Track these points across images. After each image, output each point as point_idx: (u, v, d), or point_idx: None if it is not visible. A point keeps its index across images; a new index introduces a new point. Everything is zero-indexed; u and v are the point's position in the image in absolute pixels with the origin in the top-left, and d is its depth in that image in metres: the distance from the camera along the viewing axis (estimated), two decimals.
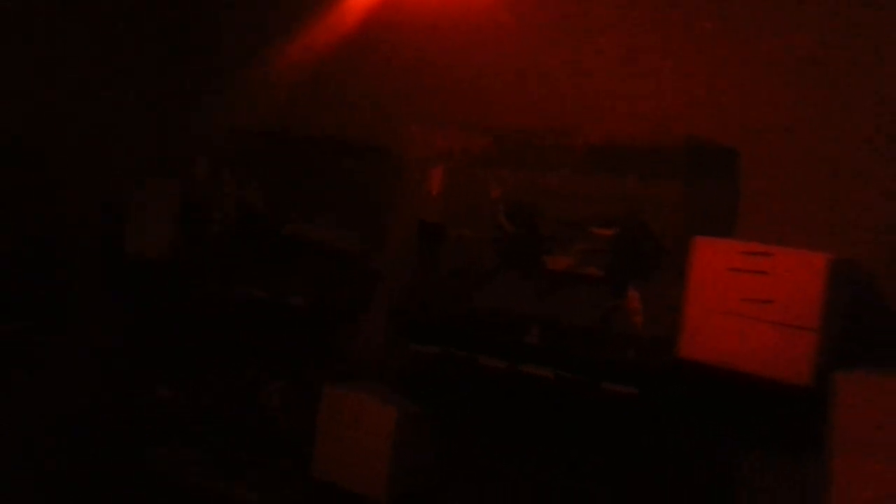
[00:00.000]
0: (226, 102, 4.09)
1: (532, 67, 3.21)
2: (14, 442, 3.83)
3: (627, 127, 2.96)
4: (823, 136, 2.68)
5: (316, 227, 3.62)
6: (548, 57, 3.18)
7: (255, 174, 3.81)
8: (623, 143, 2.91)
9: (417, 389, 3.31)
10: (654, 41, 2.97)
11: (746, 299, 2.52)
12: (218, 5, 4.18)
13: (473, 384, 3.15)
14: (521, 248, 3.09)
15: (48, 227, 3.92)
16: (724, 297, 2.56)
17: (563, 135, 3.00)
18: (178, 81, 4.25)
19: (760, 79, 2.79)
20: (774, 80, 2.76)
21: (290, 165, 3.75)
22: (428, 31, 3.47)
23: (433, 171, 3.21)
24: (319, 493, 3.33)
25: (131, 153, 4.13)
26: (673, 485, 2.83)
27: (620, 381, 2.72)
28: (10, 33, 3.75)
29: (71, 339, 4.00)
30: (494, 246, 3.12)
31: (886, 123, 2.58)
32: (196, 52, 4.24)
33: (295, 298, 3.51)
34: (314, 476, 3.33)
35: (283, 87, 3.88)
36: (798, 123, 2.72)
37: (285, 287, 3.56)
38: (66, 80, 3.95)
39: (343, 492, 3.20)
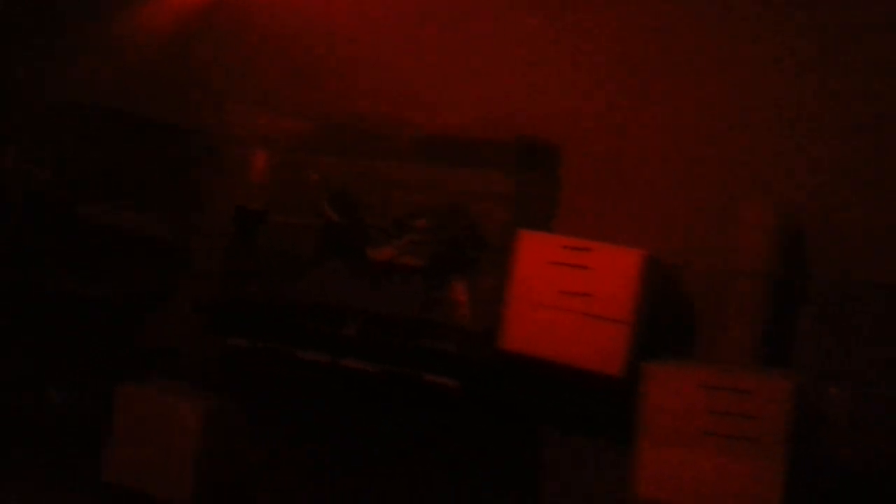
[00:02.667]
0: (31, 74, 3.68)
1: (367, 56, 3.15)
2: None
3: (458, 120, 2.96)
4: (639, 139, 2.83)
5: (120, 210, 3.33)
6: (383, 46, 3.14)
7: (54, 153, 3.45)
8: (453, 136, 2.92)
9: (230, 384, 3.13)
10: (487, 38, 3.01)
11: (566, 292, 2.61)
12: None
13: (291, 378, 3.03)
14: (345, 237, 3.01)
15: None
16: (544, 290, 2.63)
17: (393, 124, 2.96)
18: None
19: (583, 78, 2.90)
20: (595, 78, 2.89)
21: (98, 143, 3.42)
22: (263, 15, 3.31)
23: (256, 155, 3.05)
24: (112, 499, 3.06)
25: None
26: (490, 473, 2.87)
27: (443, 373, 2.71)
28: None
29: None
30: (317, 235, 3.02)
31: (702, 130, 2.77)
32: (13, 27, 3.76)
33: (94, 288, 3.22)
34: (106, 480, 3.05)
35: (109, 64, 3.54)
36: (618, 122, 2.85)
37: (84, 276, 3.26)
38: None
39: (141, 496, 2.96)
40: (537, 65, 2.94)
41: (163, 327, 3.36)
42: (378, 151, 2.99)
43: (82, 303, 3.30)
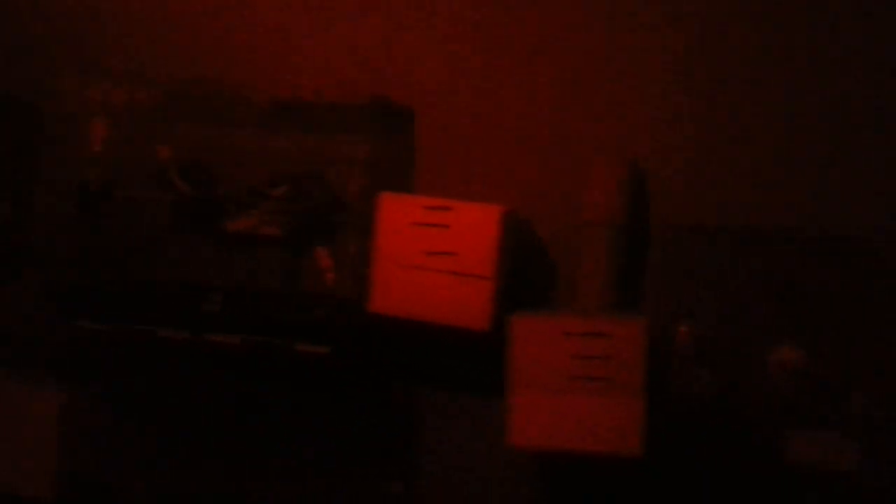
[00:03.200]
0: None
1: (212, 15, 3.01)
2: None
3: (313, 83, 2.90)
4: (491, 98, 2.88)
5: None
6: (235, 10, 3.02)
7: None
8: (308, 100, 2.85)
9: (86, 370, 2.98)
10: (334, 3, 2.95)
11: (429, 252, 2.64)
12: None
13: (153, 358, 2.92)
14: (198, 210, 2.90)
15: None
16: (409, 252, 2.66)
17: (244, 90, 2.86)
18: None
19: (435, 41, 2.91)
20: (449, 40, 2.90)
21: None
22: None
23: (93, 125, 2.87)
24: None
25: None
26: (366, 436, 2.90)
27: (313, 341, 2.70)
28: None
29: None
30: (168, 209, 2.90)
31: (554, 88, 2.85)
32: None
33: None
34: None
35: None
36: (473, 83, 2.89)
37: None
38: None
39: (6, 495, 2.79)
40: (393, 28, 2.92)
41: (8, 315, 3.13)
42: (230, 118, 2.88)
43: None
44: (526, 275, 2.82)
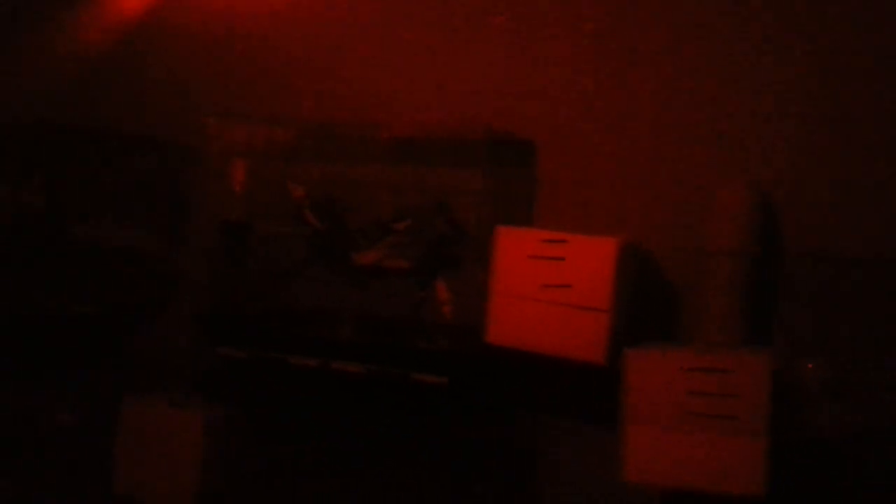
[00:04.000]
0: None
1: (338, 61, 3.20)
2: None
3: (433, 120, 3.01)
4: (613, 129, 2.87)
5: (106, 227, 3.40)
6: (354, 51, 3.19)
7: (35, 172, 3.51)
8: (427, 136, 2.96)
9: (226, 394, 3.19)
10: (453, 37, 3.06)
11: (546, 285, 2.65)
12: None
13: (285, 384, 3.09)
14: (329, 243, 3.07)
15: None
16: (525, 284, 2.68)
17: (368, 128, 3.01)
18: None
19: (552, 73, 2.94)
20: (565, 72, 2.93)
21: (78, 162, 3.49)
22: (230, 19, 3.36)
23: (235, 166, 3.10)
24: None
25: None
26: (482, 465, 2.93)
27: (432, 371, 2.76)
28: None
29: None
30: (302, 242, 3.08)
31: (669, 112, 2.81)
32: None
33: (84, 306, 3.28)
34: (118, 494, 3.13)
35: (70, 77, 3.59)
36: (589, 116, 2.89)
37: (71, 293, 3.31)
38: None
39: None
40: (507, 62, 2.99)
41: (158, 339, 3.42)
42: (356, 155, 3.04)
43: (76, 321, 3.36)
44: (647, 307, 2.77)
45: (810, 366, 2.48)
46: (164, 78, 3.45)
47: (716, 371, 2.41)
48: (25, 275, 3.42)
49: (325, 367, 2.90)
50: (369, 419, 3.05)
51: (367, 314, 2.99)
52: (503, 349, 2.70)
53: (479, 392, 2.87)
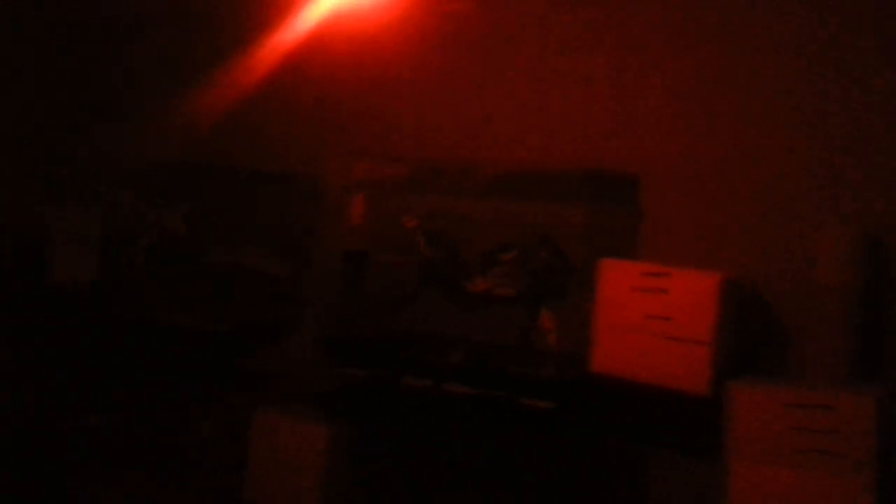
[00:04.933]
0: (146, 131, 4.11)
1: (448, 102, 3.37)
2: None
3: (537, 155, 3.13)
4: (718, 162, 2.91)
5: (240, 253, 3.69)
6: (462, 91, 3.35)
7: (177, 203, 3.86)
8: (531, 171, 3.09)
9: (345, 411, 3.41)
10: (556, 74, 3.16)
11: (648, 316, 2.72)
12: (138, 33, 4.19)
13: (400, 405, 3.27)
14: (441, 271, 3.23)
15: None
16: (628, 315, 2.76)
17: (476, 164, 3.15)
18: (96, 109, 4.24)
19: (657, 108, 3.00)
20: (666, 106, 2.99)
21: (213, 194, 3.81)
22: (347, 68, 3.57)
23: (354, 200, 3.33)
24: None
25: (44, 178, 4.12)
26: (587, 490, 3.01)
27: (538, 396, 2.88)
28: None
29: None
30: (416, 270, 3.26)
31: (777, 145, 2.82)
32: (114, 81, 4.24)
33: (219, 324, 3.56)
34: (246, 498, 3.39)
35: (206, 118, 3.92)
36: (692, 150, 2.94)
37: (208, 312, 3.61)
38: None
39: None
40: (610, 97, 3.06)
41: (288, 359, 3.68)
42: (463, 189, 3.20)
43: (213, 339, 3.65)
44: (751, 342, 2.78)
45: None
46: (294, 119, 3.71)
47: (821, 407, 2.42)
48: (167, 294, 3.76)
49: (437, 389, 3.06)
50: (478, 440, 3.19)
51: (476, 340, 3.13)
52: (607, 378, 2.79)
53: (584, 419, 2.96)
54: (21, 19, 4.11)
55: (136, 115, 4.12)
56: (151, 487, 3.78)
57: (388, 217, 3.31)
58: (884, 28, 2.68)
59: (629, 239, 3.01)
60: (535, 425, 2.97)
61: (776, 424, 2.47)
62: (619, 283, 2.78)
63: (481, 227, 3.15)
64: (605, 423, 2.97)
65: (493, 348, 3.09)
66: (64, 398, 4.10)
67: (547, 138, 3.16)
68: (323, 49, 3.61)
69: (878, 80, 2.69)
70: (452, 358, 3.12)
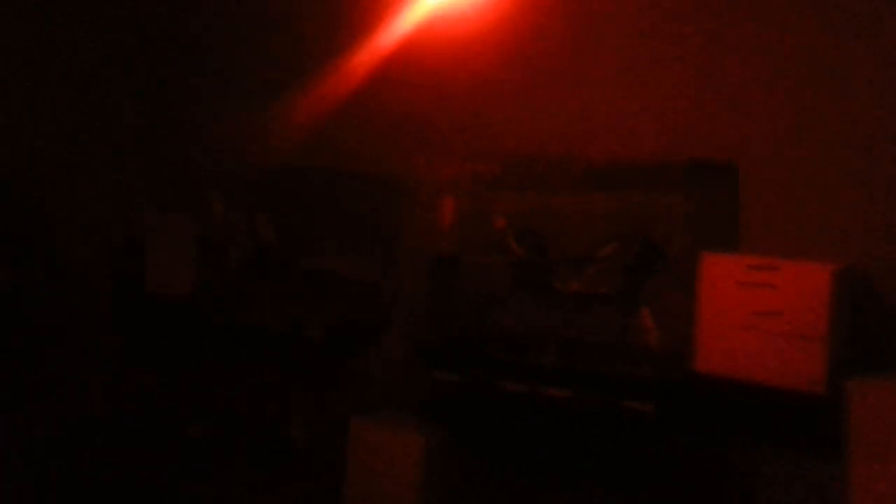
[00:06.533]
0: (237, 139, 4.17)
1: (535, 95, 3.29)
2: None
3: (630, 148, 3.02)
4: (820, 145, 2.75)
5: (331, 258, 3.70)
6: (550, 84, 3.26)
7: (268, 208, 3.90)
8: (626, 163, 2.98)
9: (440, 416, 3.37)
10: (647, 63, 3.05)
11: (756, 312, 2.59)
12: (231, 41, 4.24)
13: (495, 408, 3.22)
14: (533, 271, 3.16)
15: (49, 265, 4.03)
16: (734, 311, 2.63)
17: (567, 158, 3.07)
18: (184, 115, 4.33)
19: (753, 94, 2.86)
20: (768, 93, 2.84)
21: (303, 198, 3.84)
22: (434, 71, 3.54)
23: (444, 202, 3.29)
24: None
25: (137, 187, 4.23)
26: (692, 496, 2.89)
27: (637, 398, 2.78)
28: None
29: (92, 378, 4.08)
30: (507, 271, 3.20)
31: (884, 129, 2.65)
32: (207, 89, 4.31)
33: (313, 330, 3.58)
34: None
35: (297, 124, 3.95)
36: (793, 134, 2.79)
37: (303, 318, 3.63)
38: (61, 115, 4.06)
39: None
40: (706, 84, 2.93)
41: (380, 363, 3.67)
42: (555, 185, 3.11)
43: (308, 343, 3.67)
44: (867, 336, 2.62)
45: None
46: (382, 120, 3.70)
47: None
48: (261, 301, 3.80)
49: (534, 392, 2.99)
50: (577, 445, 3.11)
51: (571, 340, 3.05)
52: (712, 377, 2.67)
53: (688, 420, 2.84)
54: (117, 28, 4.23)
55: (227, 122, 4.19)
56: (250, 494, 3.84)
57: (478, 216, 3.26)
58: None
59: (730, 230, 2.87)
60: (636, 428, 2.87)
61: None
62: (723, 277, 2.66)
63: (576, 223, 3.06)
64: (712, 425, 2.85)
65: (590, 348, 3.00)
66: (165, 408, 4.21)
67: (640, 129, 3.04)
68: (412, 50, 3.58)
69: None
70: (548, 359, 3.05)
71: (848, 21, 2.71)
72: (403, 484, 3.19)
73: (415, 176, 3.43)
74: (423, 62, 3.55)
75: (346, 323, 3.65)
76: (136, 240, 4.07)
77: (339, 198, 3.72)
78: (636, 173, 2.96)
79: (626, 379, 2.84)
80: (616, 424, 2.91)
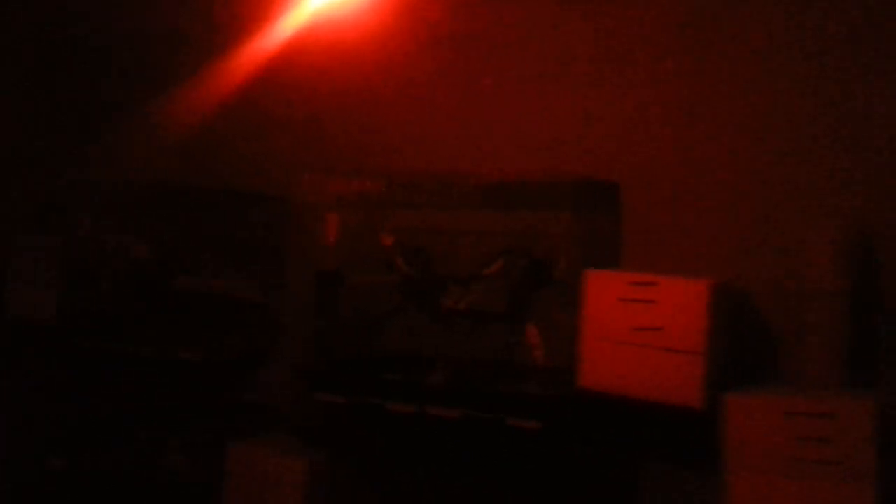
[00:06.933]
0: (105, 154, 3.97)
1: (422, 112, 3.28)
2: None
3: (517, 165, 3.05)
4: (699, 169, 2.85)
5: (209, 278, 3.56)
6: (437, 101, 3.27)
7: (141, 227, 3.72)
8: (513, 182, 3.00)
9: (326, 439, 3.28)
10: (534, 83, 3.09)
11: (637, 328, 2.64)
12: (102, 49, 4.05)
13: (382, 430, 3.16)
14: (419, 289, 3.13)
15: None
16: (616, 327, 2.67)
17: (454, 176, 3.07)
18: (56, 130, 4.10)
19: (636, 115, 2.94)
20: (647, 113, 2.93)
21: (181, 217, 3.68)
22: (320, 80, 3.48)
23: (329, 218, 3.21)
24: None
25: (3, 207, 3.96)
26: None
27: (524, 415, 2.77)
28: None
29: None
30: (393, 289, 3.15)
31: (763, 152, 2.77)
32: (74, 102, 4.09)
33: (187, 352, 3.42)
34: None
35: (170, 137, 3.79)
36: (674, 157, 2.88)
37: (178, 341, 3.47)
38: None
39: None
40: (589, 105, 3.00)
41: (262, 386, 3.55)
42: (443, 202, 3.10)
43: (184, 368, 3.51)
44: (743, 350, 2.71)
45: None
46: (261, 135, 3.60)
47: (819, 416, 2.35)
48: (135, 324, 3.61)
49: (421, 412, 2.94)
50: (465, 464, 3.08)
51: (459, 359, 3.02)
52: (597, 393, 2.69)
53: (574, 437, 2.86)
54: None
55: (99, 135, 3.98)
56: None
57: (364, 235, 3.20)
58: (870, 30, 2.64)
59: (613, 248, 2.93)
60: (523, 445, 2.87)
61: (775, 434, 2.39)
62: (606, 294, 2.70)
63: (464, 241, 3.05)
64: (596, 440, 2.88)
65: (476, 367, 2.98)
66: (28, 440, 3.93)
67: (525, 148, 3.08)
68: (295, 61, 3.51)
69: (867, 80, 2.64)
70: (435, 379, 3.01)
71: (728, 41, 2.82)
72: None
73: (300, 192, 3.34)
74: (308, 75, 3.49)
75: (224, 345, 3.51)
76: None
77: (219, 215, 3.59)
78: (524, 191, 2.98)
79: (513, 397, 2.83)
80: (502, 443, 2.89)
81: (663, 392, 2.58)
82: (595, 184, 2.93)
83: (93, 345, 3.65)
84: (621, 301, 2.67)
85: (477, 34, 3.19)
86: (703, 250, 2.82)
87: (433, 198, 3.12)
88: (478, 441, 2.98)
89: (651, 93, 2.92)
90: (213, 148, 3.71)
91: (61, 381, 3.90)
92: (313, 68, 3.48)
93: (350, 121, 3.41)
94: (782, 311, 2.68)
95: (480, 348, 3.02)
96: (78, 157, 4.00)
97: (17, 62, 4.07)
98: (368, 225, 3.21)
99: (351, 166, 3.29)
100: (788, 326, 2.66)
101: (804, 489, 2.34)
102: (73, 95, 4.07)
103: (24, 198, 3.99)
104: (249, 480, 3.21)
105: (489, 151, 3.15)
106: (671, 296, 2.59)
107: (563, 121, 3.04)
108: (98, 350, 3.64)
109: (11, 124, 4.04)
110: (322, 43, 3.44)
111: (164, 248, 3.65)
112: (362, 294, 3.21)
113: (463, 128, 3.20)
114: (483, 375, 2.95)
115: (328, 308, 3.22)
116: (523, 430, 2.76)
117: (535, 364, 2.89)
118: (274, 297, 3.51)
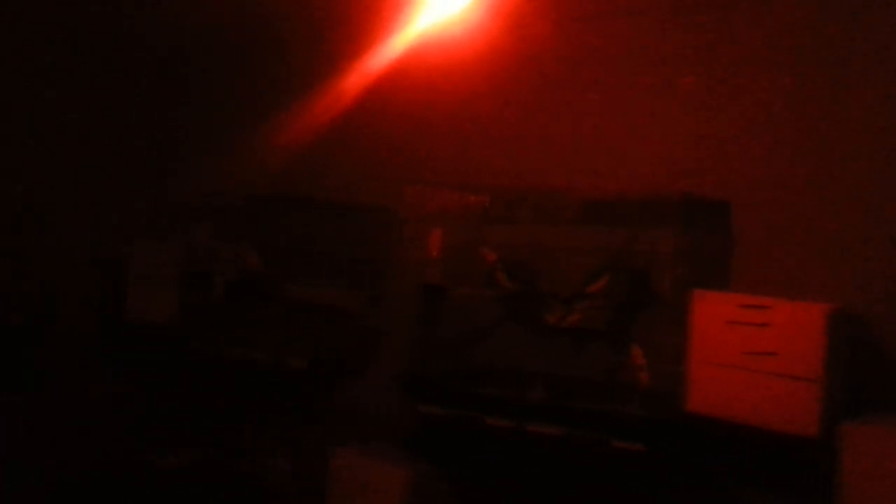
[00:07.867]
0: (222, 166, 4.13)
1: (526, 129, 3.28)
2: None
3: (624, 183, 3.00)
4: (816, 186, 2.74)
5: (315, 287, 3.65)
6: (543, 117, 3.26)
7: (254, 237, 3.85)
8: (619, 198, 2.96)
9: (426, 450, 3.30)
10: (643, 99, 3.04)
11: (748, 352, 2.55)
12: (216, 69, 4.23)
13: (481, 444, 3.16)
14: (522, 305, 3.12)
15: (41, 291, 3.94)
16: (725, 350, 2.59)
17: (559, 192, 3.05)
18: (173, 144, 4.30)
19: (748, 131, 2.85)
20: (763, 133, 2.83)
21: (290, 228, 3.79)
22: (426, 97, 3.53)
23: (432, 233, 3.24)
24: None
25: (125, 215, 4.17)
26: None
27: (627, 437, 2.72)
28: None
29: (65, 406, 3.98)
30: (495, 304, 3.15)
31: (879, 172, 2.64)
32: (192, 116, 4.28)
33: (296, 360, 3.52)
34: None
35: (282, 151, 3.92)
36: (790, 175, 2.78)
37: (286, 349, 3.57)
38: (59, 145, 4.02)
39: None
40: (699, 122, 2.93)
41: (364, 396, 3.60)
42: (548, 219, 3.08)
43: (292, 374, 3.60)
44: (860, 377, 2.58)
45: None
46: (368, 150, 3.67)
47: None
48: (244, 331, 3.73)
49: (521, 428, 2.93)
50: (565, 482, 3.04)
51: (560, 376, 2.99)
52: (705, 417, 2.62)
53: (679, 461, 2.79)
54: (98, 57, 4.20)
55: (214, 149, 4.15)
56: None
57: (467, 249, 3.22)
58: None
59: (722, 268, 2.84)
60: (626, 468, 2.81)
61: (893, 465, 2.27)
62: (715, 316, 2.62)
63: (567, 257, 3.02)
64: (702, 467, 2.79)
65: (579, 385, 2.95)
66: (143, 438, 4.11)
67: (634, 165, 3.03)
68: (402, 79, 3.58)
69: None
70: (536, 395, 2.99)
71: (845, 60, 2.71)
72: None
73: (404, 206, 3.39)
74: (414, 90, 3.54)
75: (329, 354, 3.59)
76: (114, 266, 4.01)
77: (326, 227, 3.68)
78: (629, 208, 2.93)
79: (616, 417, 2.78)
80: (605, 464, 2.85)
81: (776, 419, 2.49)
82: (704, 201, 2.86)
83: (205, 349, 3.80)
84: (731, 323, 2.59)
85: (583, 50, 3.17)
86: (817, 272, 2.70)
87: (536, 214, 3.11)
88: (578, 460, 2.93)
89: (764, 109, 2.82)
90: (323, 163, 3.81)
91: (176, 382, 4.07)
92: (420, 85, 3.53)
93: (455, 136, 3.44)
94: None
95: (580, 366, 2.99)
96: (197, 170, 4.18)
97: (141, 82, 4.29)
98: (471, 239, 3.22)
99: (455, 181, 3.32)
100: None
101: None
102: (193, 113, 4.27)
103: (147, 208, 4.21)
104: (351, 486, 3.26)
105: (593, 168, 3.11)
106: (786, 320, 2.50)
107: (672, 137, 2.98)
108: (212, 354, 3.79)
109: (136, 139, 4.27)
110: (429, 60, 3.50)
111: (276, 259, 3.77)
112: (463, 308, 3.22)
113: (567, 144, 3.17)
114: (584, 394, 2.91)
115: (431, 320, 3.25)
116: (628, 452, 2.71)
117: (639, 385, 2.84)
118: (378, 308, 3.57)
